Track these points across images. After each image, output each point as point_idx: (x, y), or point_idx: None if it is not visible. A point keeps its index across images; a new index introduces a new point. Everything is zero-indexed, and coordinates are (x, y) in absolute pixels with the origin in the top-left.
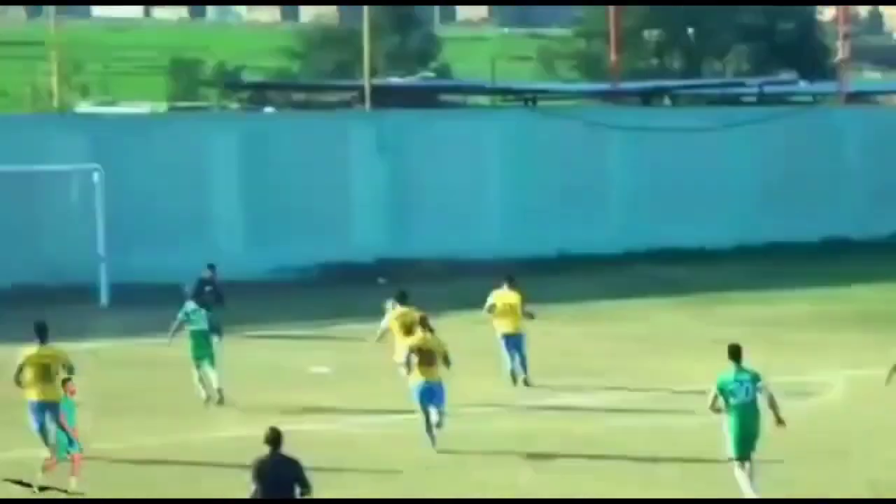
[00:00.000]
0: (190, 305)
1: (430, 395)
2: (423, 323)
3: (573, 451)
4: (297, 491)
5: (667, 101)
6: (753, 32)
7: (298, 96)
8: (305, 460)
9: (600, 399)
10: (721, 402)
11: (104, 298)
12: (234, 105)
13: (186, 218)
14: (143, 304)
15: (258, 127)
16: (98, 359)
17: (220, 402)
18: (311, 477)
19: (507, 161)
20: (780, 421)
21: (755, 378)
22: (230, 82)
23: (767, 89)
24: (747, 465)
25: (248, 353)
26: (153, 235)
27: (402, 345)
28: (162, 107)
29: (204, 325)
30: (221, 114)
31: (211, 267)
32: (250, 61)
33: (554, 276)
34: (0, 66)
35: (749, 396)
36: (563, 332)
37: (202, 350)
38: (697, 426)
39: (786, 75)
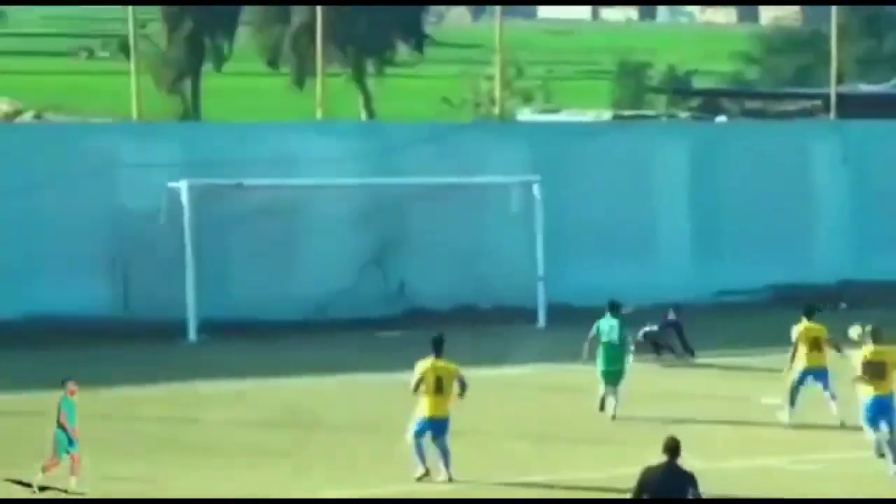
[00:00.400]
0: (607, 319)
1: (882, 410)
2: (876, 336)
3: None
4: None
5: None
6: None
7: (753, 104)
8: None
9: None
10: None
11: (541, 320)
12: (684, 113)
13: (629, 235)
14: (580, 326)
15: (709, 137)
16: (531, 383)
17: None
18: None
19: None
20: None
21: None
22: (678, 89)
23: None
24: None
25: (693, 380)
26: (593, 253)
27: (801, 361)
28: (606, 115)
29: (614, 338)
30: (669, 123)
31: (677, 308)
32: (702, 66)
33: None
34: (441, 70)
35: None
36: None
37: (611, 364)
38: None
39: None
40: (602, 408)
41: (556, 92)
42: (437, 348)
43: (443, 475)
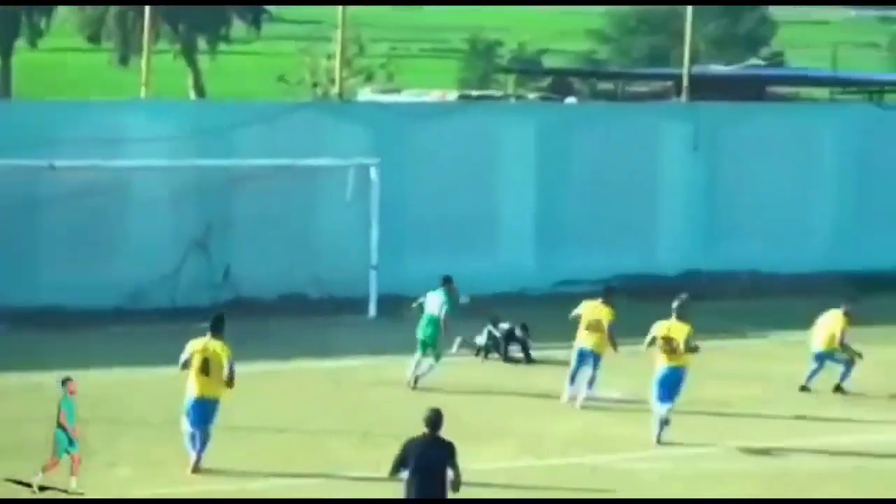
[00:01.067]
0: (434, 292)
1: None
2: (679, 312)
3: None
4: (450, 475)
5: None
6: None
7: (605, 85)
8: (590, 495)
9: None
10: None
11: (372, 310)
12: (532, 95)
13: (471, 222)
14: (414, 317)
15: (557, 120)
16: (357, 377)
17: (413, 387)
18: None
19: (844, 163)
20: None
21: None
22: (526, 68)
23: None
24: None
25: (529, 375)
26: (432, 240)
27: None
28: (452, 95)
29: (434, 313)
30: (516, 104)
31: (524, 327)
32: (555, 44)
33: (889, 294)
34: (279, 47)
35: None
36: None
37: (423, 333)
38: None
39: None
40: (414, 385)
41: (401, 71)
42: (214, 328)
43: (193, 458)
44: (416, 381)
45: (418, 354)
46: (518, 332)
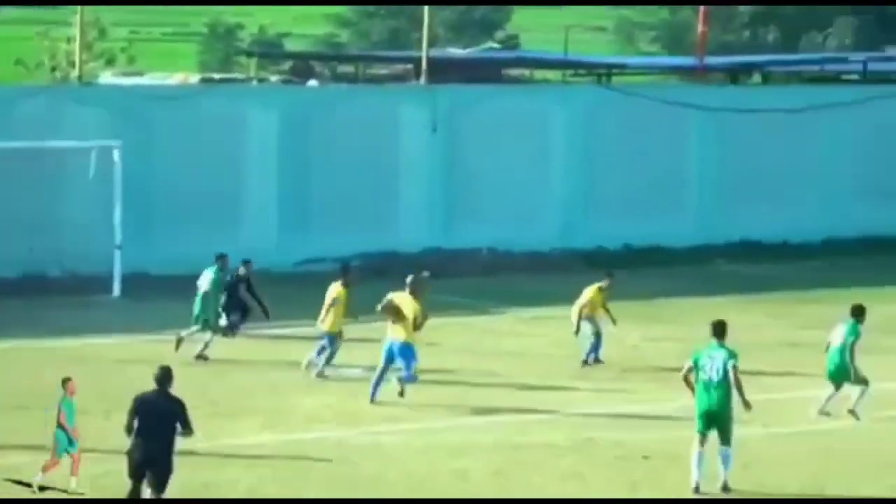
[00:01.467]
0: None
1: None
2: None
3: (623, 462)
4: (179, 431)
5: (757, 78)
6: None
7: (346, 68)
8: (336, 467)
9: (657, 407)
10: (692, 376)
11: (116, 290)
12: (274, 77)
13: (216, 202)
14: (160, 297)
15: (299, 103)
16: (101, 355)
17: (175, 348)
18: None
19: (575, 144)
20: (746, 404)
21: (728, 357)
22: (269, 52)
23: (872, 66)
24: (714, 445)
25: (273, 352)
26: (178, 220)
27: None
28: (194, 78)
29: (203, 289)
30: (258, 87)
31: (246, 263)
32: (296, 28)
33: (618, 271)
34: (17, 31)
35: (718, 375)
36: (624, 333)
37: (196, 308)
38: (763, 437)
39: (894, 51)
40: (177, 348)
41: (142, 54)
42: None
43: None
44: (177, 344)
45: (194, 328)
46: (241, 271)
